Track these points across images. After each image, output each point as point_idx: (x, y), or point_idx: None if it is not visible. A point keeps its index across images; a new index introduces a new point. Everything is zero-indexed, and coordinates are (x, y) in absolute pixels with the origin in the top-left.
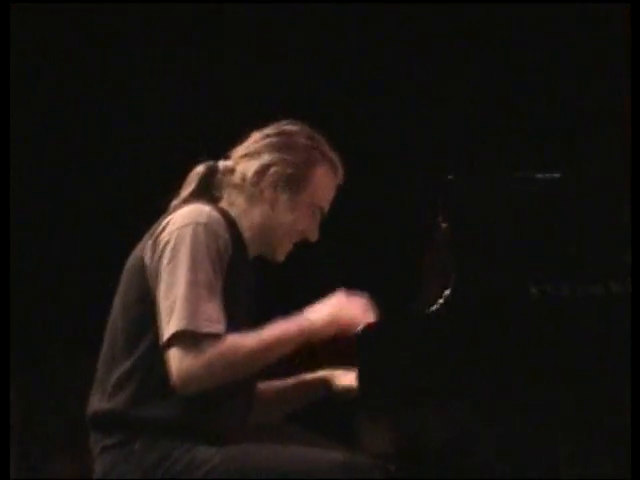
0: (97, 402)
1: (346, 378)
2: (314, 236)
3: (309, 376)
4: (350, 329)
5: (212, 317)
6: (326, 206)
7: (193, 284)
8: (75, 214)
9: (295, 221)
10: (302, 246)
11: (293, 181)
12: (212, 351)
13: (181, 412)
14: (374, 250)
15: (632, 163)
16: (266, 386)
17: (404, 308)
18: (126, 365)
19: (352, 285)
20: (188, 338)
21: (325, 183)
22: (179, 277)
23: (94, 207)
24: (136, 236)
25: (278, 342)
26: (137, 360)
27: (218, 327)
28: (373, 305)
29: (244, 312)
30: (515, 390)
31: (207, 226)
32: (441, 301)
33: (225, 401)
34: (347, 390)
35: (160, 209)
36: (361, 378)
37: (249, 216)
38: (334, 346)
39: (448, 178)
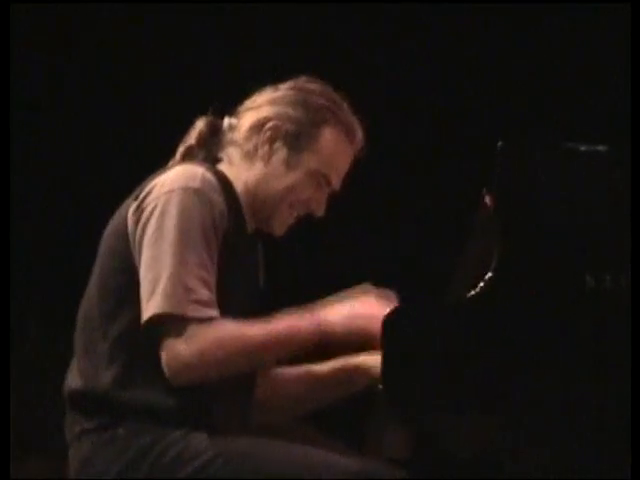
0: (77, 379)
1: None
2: (319, 209)
3: (347, 362)
4: (375, 339)
5: (202, 299)
6: (335, 177)
7: (180, 260)
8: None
9: (294, 185)
10: (320, 224)
11: (293, 138)
12: (208, 338)
13: (172, 397)
14: (407, 232)
15: (632, 164)
16: (292, 374)
17: (437, 295)
18: (106, 342)
19: (380, 273)
20: (175, 322)
21: (335, 149)
22: (164, 251)
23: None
24: None
25: (286, 338)
26: (118, 337)
27: (209, 312)
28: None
29: (243, 297)
30: (566, 394)
31: (199, 191)
32: (481, 286)
33: (223, 389)
34: None
35: None
36: (385, 373)
37: (243, 177)
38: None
39: (498, 145)
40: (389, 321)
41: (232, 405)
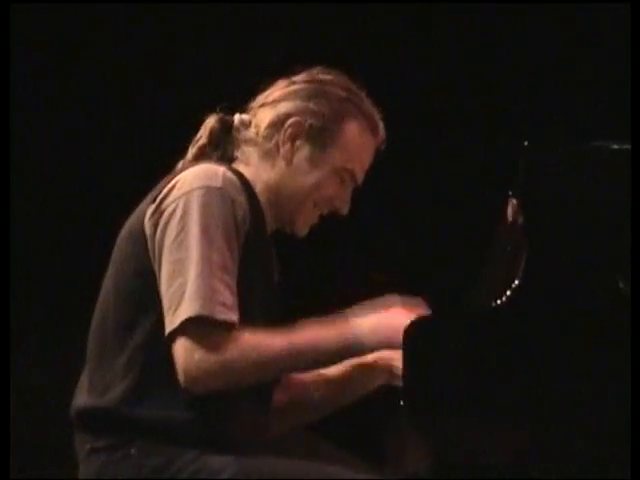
0: (85, 396)
1: None
2: (344, 207)
3: (365, 359)
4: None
5: (227, 302)
6: (359, 172)
7: (206, 262)
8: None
9: (318, 183)
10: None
11: (317, 134)
12: (230, 346)
13: (188, 412)
14: (430, 237)
15: (632, 165)
16: (307, 378)
17: (461, 302)
18: (122, 353)
19: (401, 281)
20: (202, 326)
21: (358, 142)
22: (190, 254)
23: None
24: None
25: (311, 351)
26: (135, 348)
27: (233, 316)
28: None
29: (262, 301)
30: (597, 405)
31: (221, 191)
32: (508, 294)
33: (240, 401)
34: None
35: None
36: (406, 386)
37: (263, 177)
38: None
39: (524, 145)
40: (410, 332)
41: (249, 418)
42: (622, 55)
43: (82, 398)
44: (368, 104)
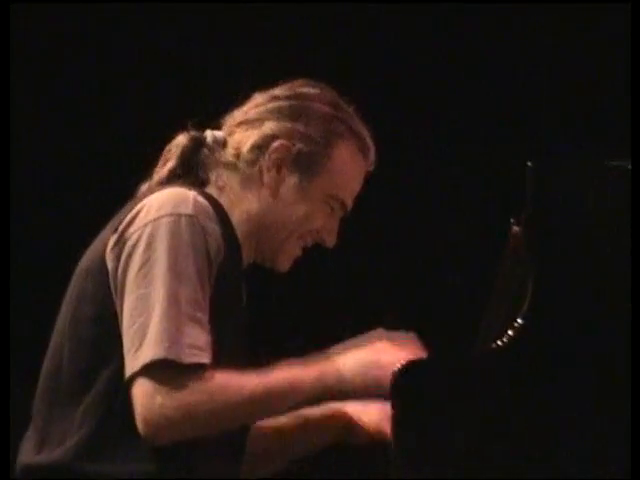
0: (31, 452)
1: (369, 414)
2: (331, 239)
3: (318, 413)
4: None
5: (197, 343)
6: (349, 199)
7: (173, 299)
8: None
9: (307, 216)
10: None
11: (305, 160)
12: (196, 388)
13: (149, 464)
14: (422, 267)
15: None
16: (261, 426)
17: (459, 343)
18: (78, 404)
19: (395, 316)
20: (165, 370)
21: (350, 167)
22: (155, 289)
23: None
24: None
25: (287, 391)
26: (93, 398)
27: (205, 357)
28: (424, 349)
29: (234, 341)
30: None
31: (192, 219)
32: (510, 334)
33: (210, 452)
34: (374, 437)
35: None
36: (396, 439)
37: (243, 206)
38: None
39: (527, 165)
40: (399, 378)
41: (220, 470)
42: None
43: (28, 454)
44: (357, 122)
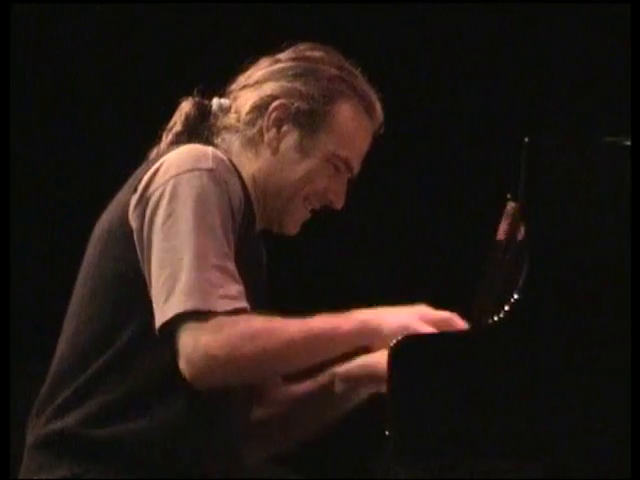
0: (43, 419)
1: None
2: (339, 201)
3: (348, 367)
4: None
5: (230, 293)
6: (355, 159)
7: (201, 250)
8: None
9: (309, 174)
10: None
11: (305, 118)
12: (239, 330)
13: (163, 431)
14: (420, 246)
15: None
16: (289, 395)
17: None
18: (95, 367)
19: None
20: (202, 318)
21: (353, 125)
22: (180, 243)
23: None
24: None
25: (327, 337)
26: (112, 358)
27: (239, 303)
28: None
29: (253, 302)
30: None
31: (213, 173)
32: (505, 311)
33: (215, 429)
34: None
35: None
36: (391, 417)
37: (246, 168)
38: None
39: (525, 140)
40: (396, 351)
41: (225, 448)
42: (622, 53)
43: (40, 421)
44: (363, 82)
